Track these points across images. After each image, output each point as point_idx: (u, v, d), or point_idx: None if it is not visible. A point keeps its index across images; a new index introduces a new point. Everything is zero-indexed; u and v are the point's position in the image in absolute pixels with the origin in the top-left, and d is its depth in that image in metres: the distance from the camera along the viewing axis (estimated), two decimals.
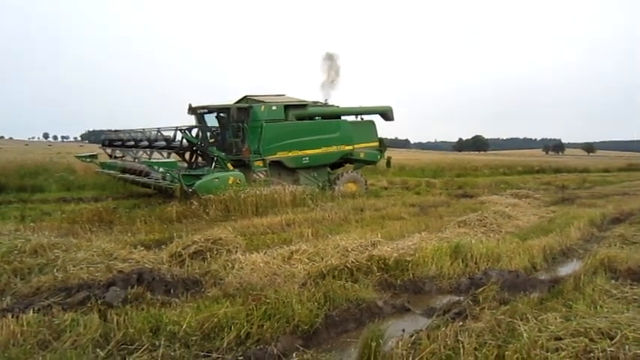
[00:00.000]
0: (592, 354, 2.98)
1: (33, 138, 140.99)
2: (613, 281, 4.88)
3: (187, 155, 13.54)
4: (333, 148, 14.77)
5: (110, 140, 15.65)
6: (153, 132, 12.92)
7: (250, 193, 10.79)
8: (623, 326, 3.28)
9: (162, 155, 12.73)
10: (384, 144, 16.54)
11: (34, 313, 3.83)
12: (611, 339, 3.13)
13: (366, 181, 15.84)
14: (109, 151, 15.49)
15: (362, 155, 15.64)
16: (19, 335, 3.45)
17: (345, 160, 15.74)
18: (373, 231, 7.73)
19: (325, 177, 15.14)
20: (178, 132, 12.34)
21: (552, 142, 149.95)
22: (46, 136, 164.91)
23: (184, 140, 12.54)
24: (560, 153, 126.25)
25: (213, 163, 12.59)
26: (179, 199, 10.65)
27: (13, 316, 3.69)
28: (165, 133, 12.62)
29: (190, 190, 10.77)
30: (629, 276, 5.23)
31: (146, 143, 13.21)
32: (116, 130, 15.88)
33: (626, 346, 3.01)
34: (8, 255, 5.42)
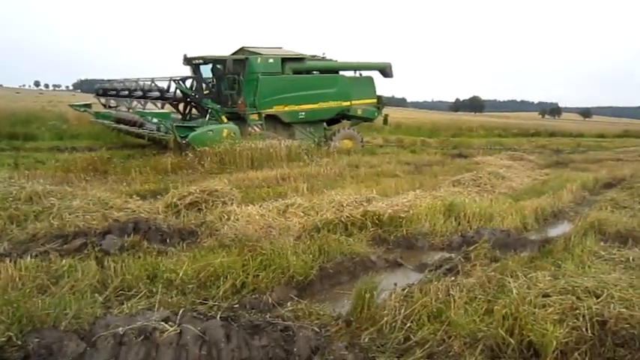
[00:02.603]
0: (578, 311, 3.05)
1: (24, 86, 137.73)
2: (602, 243, 4.96)
3: (181, 106, 13.38)
4: (330, 104, 14.57)
5: (104, 89, 15.39)
6: (147, 82, 12.70)
7: (246, 147, 10.73)
8: (610, 286, 3.35)
9: (156, 106, 12.57)
10: (382, 101, 16.37)
11: (31, 258, 3.86)
12: (598, 297, 3.20)
13: (362, 138, 15.77)
14: (102, 100, 15.26)
15: (359, 112, 15.45)
16: (17, 279, 3.47)
17: (342, 116, 15.59)
18: (368, 187, 7.77)
19: (321, 132, 15.02)
20: (172, 82, 12.13)
21: (549, 105, 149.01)
22: (37, 84, 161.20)
23: (178, 91, 12.34)
24: (557, 117, 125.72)
25: (208, 115, 12.46)
26: (173, 151, 10.60)
27: (11, 261, 3.71)
28: (159, 84, 12.42)
29: (184, 141, 10.71)
30: (618, 239, 5.33)
31: (140, 93, 13.01)
32: (110, 80, 15.58)
33: (612, 305, 3.09)
34: (3, 202, 5.44)
